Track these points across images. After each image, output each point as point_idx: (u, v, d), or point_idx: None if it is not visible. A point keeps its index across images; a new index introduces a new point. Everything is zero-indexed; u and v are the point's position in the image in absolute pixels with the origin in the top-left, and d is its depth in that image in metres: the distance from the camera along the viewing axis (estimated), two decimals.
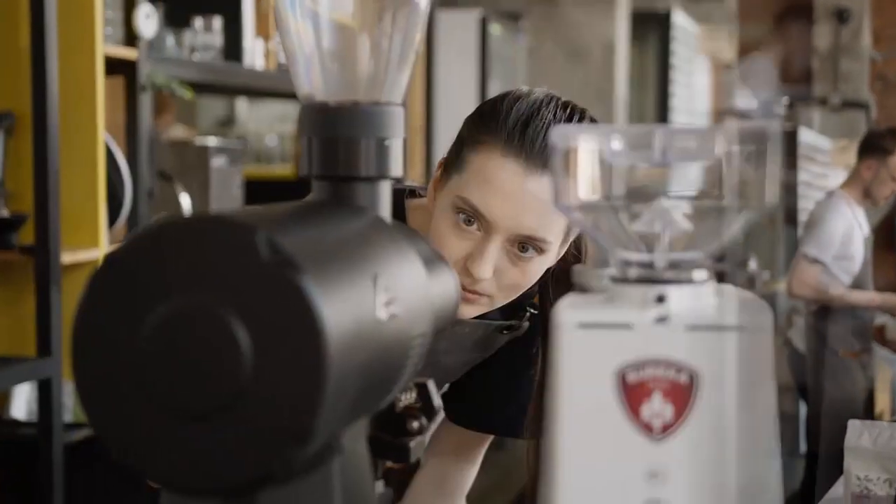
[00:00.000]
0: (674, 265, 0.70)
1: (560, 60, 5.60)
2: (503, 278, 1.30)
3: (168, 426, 0.61)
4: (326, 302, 0.61)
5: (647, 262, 0.71)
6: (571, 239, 1.36)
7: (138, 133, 2.74)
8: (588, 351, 0.68)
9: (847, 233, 4.32)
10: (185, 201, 3.01)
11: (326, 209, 0.74)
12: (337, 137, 0.78)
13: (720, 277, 0.73)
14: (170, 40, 3.00)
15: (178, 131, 4.32)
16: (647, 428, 0.68)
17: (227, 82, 3.25)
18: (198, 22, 3.08)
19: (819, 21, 9.38)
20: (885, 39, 10.01)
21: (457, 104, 5.11)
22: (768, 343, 0.68)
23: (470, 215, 1.27)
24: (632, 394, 0.68)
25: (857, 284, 4.39)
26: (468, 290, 1.29)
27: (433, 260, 0.85)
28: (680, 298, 0.69)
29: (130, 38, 2.75)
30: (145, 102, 2.77)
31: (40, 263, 2.41)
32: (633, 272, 0.70)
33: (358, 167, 0.78)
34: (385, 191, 0.80)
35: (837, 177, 8.58)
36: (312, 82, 0.80)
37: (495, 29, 5.15)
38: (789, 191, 6.74)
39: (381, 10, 0.80)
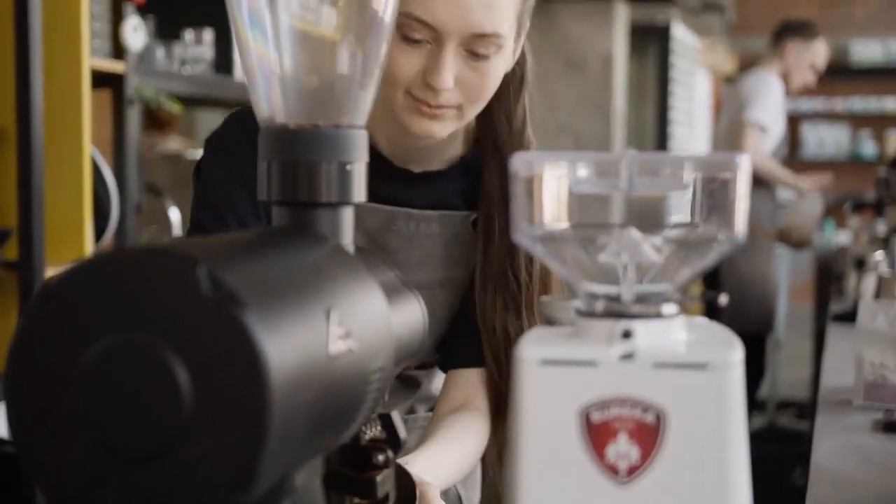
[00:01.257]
0: (642, 298, 0.67)
1: (558, 73, 5.57)
2: (466, 86, 1.25)
3: (104, 467, 0.58)
4: (271, 338, 0.58)
5: (614, 294, 0.68)
6: (524, 34, 1.33)
7: (126, 147, 2.71)
8: (551, 389, 0.65)
9: (779, 102, 4.50)
10: (175, 216, 2.98)
11: (283, 237, 0.71)
12: (297, 161, 0.75)
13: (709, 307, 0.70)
14: (160, 53, 2.97)
15: (173, 143, 4.30)
16: (612, 470, 0.65)
17: (218, 95, 3.22)
18: (188, 34, 3.06)
19: None
20: None
21: None
22: (738, 380, 0.65)
23: (415, 30, 1.21)
24: (596, 434, 0.65)
25: (774, 156, 4.56)
26: (433, 106, 1.25)
27: (397, 288, 0.82)
28: (647, 333, 0.66)
29: (118, 51, 2.72)
30: (133, 116, 2.74)
31: (24, 279, 2.38)
32: (600, 305, 0.67)
33: (319, 192, 0.75)
34: (347, 217, 0.77)
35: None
36: (272, 104, 0.77)
37: None
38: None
39: (342, 28, 0.77)
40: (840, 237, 6.24)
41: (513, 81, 1.37)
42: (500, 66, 1.27)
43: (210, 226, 1.32)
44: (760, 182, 4.44)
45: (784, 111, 4.65)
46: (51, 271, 2.46)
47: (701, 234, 0.68)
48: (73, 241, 2.55)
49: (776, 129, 4.50)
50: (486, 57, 1.24)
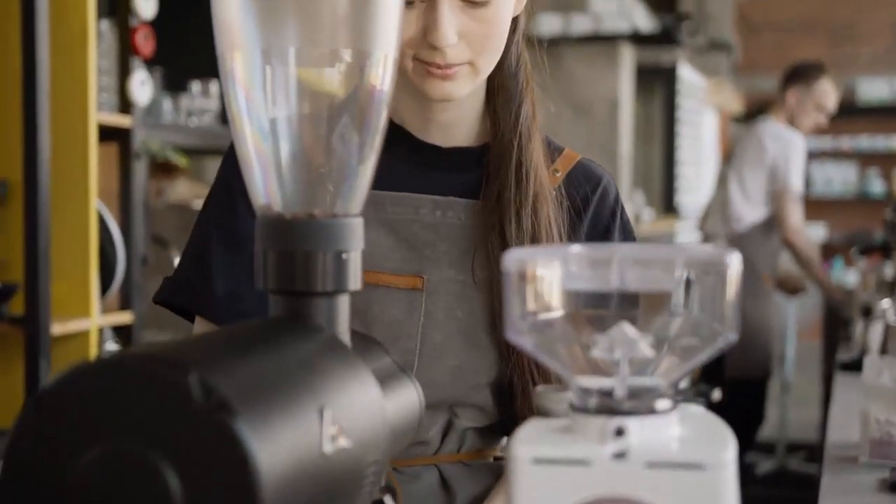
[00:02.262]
0: (635, 393, 0.67)
1: (564, 117, 5.59)
2: (471, 38, 1.18)
3: None
4: (262, 445, 0.58)
5: (607, 389, 0.68)
6: None
7: (132, 200, 2.72)
8: (545, 487, 0.65)
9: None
10: None
11: (277, 332, 0.72)
12: (293, 251, 0.75)
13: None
14: (167, 105, 2.99)
15: (182, 187, 4.31)
16: None
17: (224, 145, 3.22)
18: (195, 86, 3.08)
19: None
20: None
21: None
22: (732, 479, 0.65)
23: None
24: None
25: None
26: (442, 66, 1.18)
27: (392, 374, 0.82)
28: (641, 430, 0.66)
29: (125, 104, 2.74)
30: (139, 169, 2.75)
31: (30, 335, 2.38)
32: (593, 401, 0.67)
33: (315, 282, 0.75)
34: (343, 305, 0.77)
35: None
36: (269, 193, 0.77)
37: None
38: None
39: (338, 120, 0.78)
40: (848, 276, 6.23)
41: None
42: (502, 8, 1.20)
43: (194, 247, 1.30)
44: (767, 225, 4.44)
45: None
46: (57, 327, 2.46)
47: (693, 329, 0.68)
48: (80, 295, 2.56)
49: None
50: (484, 3, 1.17)
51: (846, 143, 10.12)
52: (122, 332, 2.82)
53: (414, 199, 1.27)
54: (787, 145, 4.46)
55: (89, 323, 2.58)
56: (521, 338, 0.69)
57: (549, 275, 0.68)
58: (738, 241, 4.43)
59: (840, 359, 3.19)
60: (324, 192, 0.77)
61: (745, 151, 4.61)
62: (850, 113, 9.91)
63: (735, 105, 9.52)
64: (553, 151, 1.34)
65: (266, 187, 0.77)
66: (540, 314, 0.69)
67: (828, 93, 4.56)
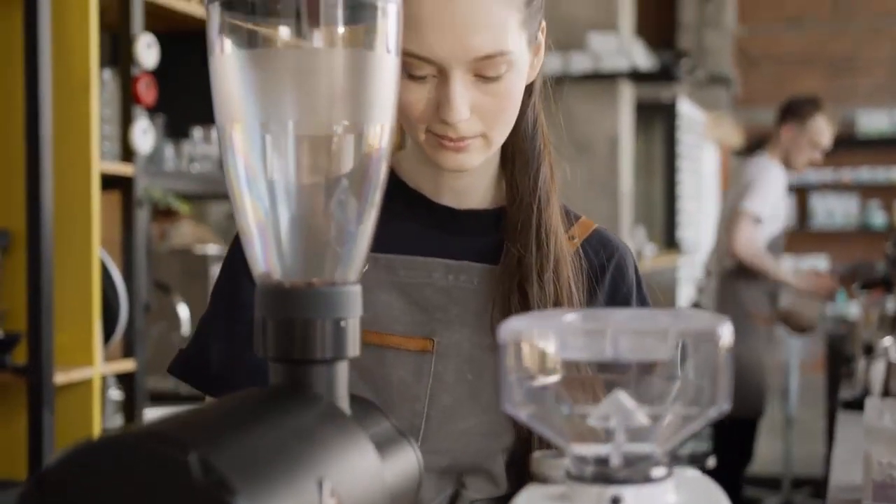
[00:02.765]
0: (630, 461, 0.68)
1: (565, 155, 5.60)
2: (483, 112, 1.17)
3: None
4: None
5: (603, 457, 0.69)
6: (542, 36, 1.24)
7: (134, 247, 2.74)
8: None
9: (779, 193, 4.47)
10: (184, 312, 3.00)
11: (276, 401, 0.73)
12: (293, 320, 0.76)
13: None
14: (168, 151, 3.01)
15: (185, 230, 4.33)
16: None
17: (226, 191, 3.24)
18: (196, 132, 3.10)
19: None
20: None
21: None
22: None
23: (416, 67, 1.14)
24: None
25: (773, 246, 4.50)
26: (455, 140, 1.17)
27: (391, 438, 0.82)
28: (636, 499, 0.66)
29: (127, 152, 2.76)
30: (141, 217, 2.77)
31: (33, 384, 2.39)
32: (589, 470, 0.68)
33: (314, 350, 0.76)
34: (342, 372, 0.78)
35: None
36: (268, 262, 0.79)
37: None
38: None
39: (334, 185, 0.79)
40: (851, 309, 6.23)
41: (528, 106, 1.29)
42: (516, 81, 1.18)
43: (200, 322, 1.33)
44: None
45: (785, 201, 4.65)
46: (60, 376, 2.47)
47: (688, 397, 0.69)
48: (82, 344, 2.56)
49: (775, 220, 4.48)
50: (497, 78, 1.16)
51: (847, 175, 10.15)
52: (124, 380, 2.83)
53: (427, 263, 1.26)
54: (760, 170, 4.46)
55: (92, 371, 2.59)
56: (517, 407, 0.70)
57: (544, 344, 0.69)
58: (727, 278, 4.43)
59: (842, 396, 3.19)
60: (322, 260, 0.79)
61: (734, 187, 4.63)
62: (851, 145, 9.96)
63: (735, 138, 9.56)
64: (570, 218, 1.34)
65: (265, 256, 0.79)
66: (535, 383, 0.70)
67: (822, 130, 4.54)
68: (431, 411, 1.23)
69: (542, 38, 1.26)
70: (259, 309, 0.78)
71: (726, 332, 0.66)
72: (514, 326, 0.69)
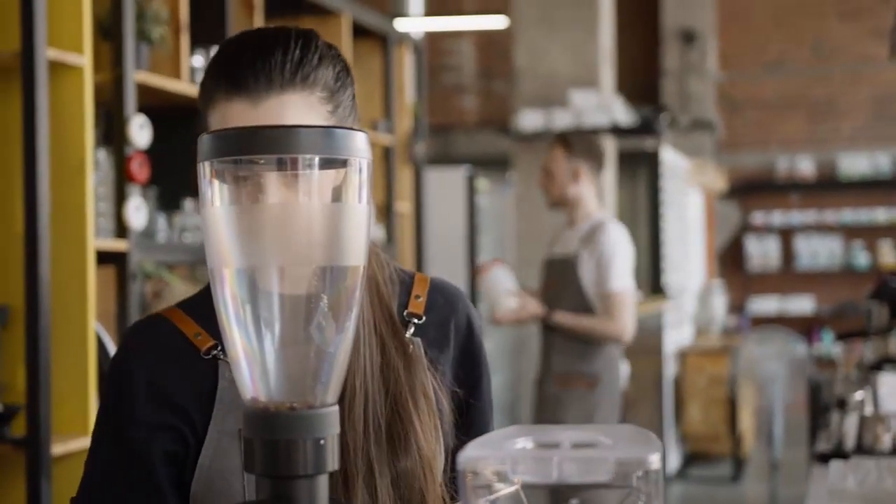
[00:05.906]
0: None
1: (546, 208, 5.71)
2: None
3: None
4: None
5: None
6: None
7: (128, 320, 2.84)
8: None
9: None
10: None
11: None
12: (277, 441, 0.87)
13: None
14: (161, 222, 3.11)
15: (179, 289, 4.40)
16: None
17: None
18: (188, 204, 3.21)
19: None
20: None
21: (447, 258, 5.23)
22: None
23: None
24: None
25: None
26: None
27: None
28: None
29: (121, 229, 2.86)
30: (135, 290, 2.87)
31: (31, 456, 2.47)
32: None
33: (296, 467, 0.87)
34: (322, 485, 0.88)
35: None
36: (256, 388, 0.89)
37: (482, 184, 5.29)
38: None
39: (314, 317, 0.90)
40: (835, 349, 6.32)
41: None
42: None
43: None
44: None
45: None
46: (57, 447, 2.55)
47: None
48: (79, 415, 2.65)
49: None
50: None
51: (830, 216, 10.29)
52: None
53: None
54: (613, 238, 4.31)
55: (88, 441, 2.66)
56: None
57: (499, 469, 0.79)
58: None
59: (818, 448, 3.27)
60: (303, 385, 0.89)
61: None
62: (833, 187, 10.10)
63: (719, 183, 9.68)
64: (405, 276, 1.36)
65: (252, 382, 0.89)
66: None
67: None
68: None
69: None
70: (247, 430, 0.88)
71: (654, 460, 0.76)
72: (472, 454, 0.79)
